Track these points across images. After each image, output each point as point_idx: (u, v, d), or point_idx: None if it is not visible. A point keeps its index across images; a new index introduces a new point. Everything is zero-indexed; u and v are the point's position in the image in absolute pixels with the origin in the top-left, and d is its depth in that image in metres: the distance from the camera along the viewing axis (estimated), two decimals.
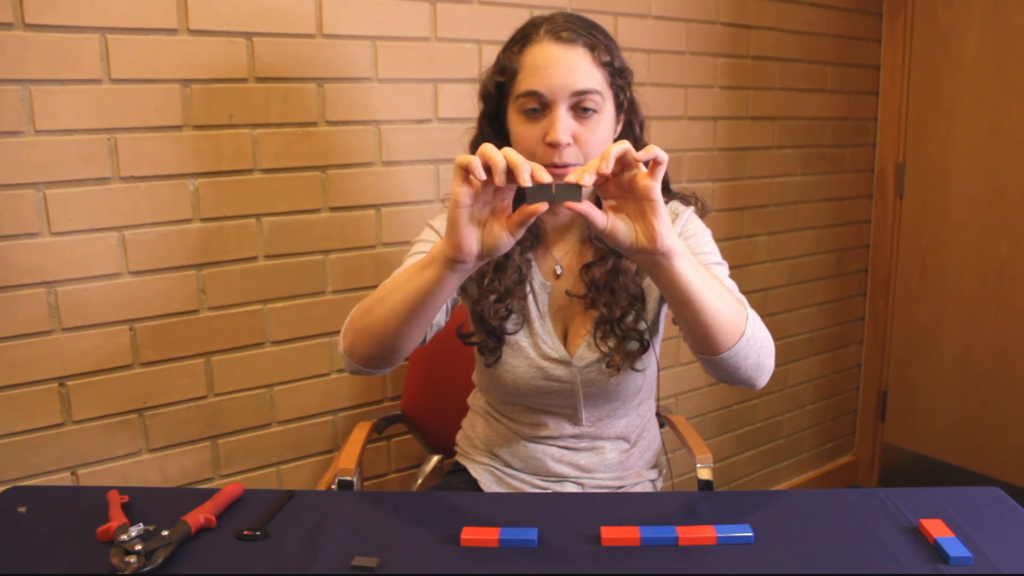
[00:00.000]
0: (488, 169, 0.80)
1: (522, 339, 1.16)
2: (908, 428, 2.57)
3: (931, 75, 2.36)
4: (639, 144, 1.15)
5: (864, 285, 2.61)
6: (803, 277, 2.39)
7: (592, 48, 1.04)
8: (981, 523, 0.90)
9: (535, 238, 1.17)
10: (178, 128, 1.35)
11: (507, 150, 0.81)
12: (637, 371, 1.16)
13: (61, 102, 1.25)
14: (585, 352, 1.14)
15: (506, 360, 1.16)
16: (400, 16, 1.53)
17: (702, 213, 1.18)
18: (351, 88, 1.51)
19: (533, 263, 1.17)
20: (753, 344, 0.95)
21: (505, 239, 0.86)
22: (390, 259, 1.60)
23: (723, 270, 1.11)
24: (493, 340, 1.16)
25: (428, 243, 1.15)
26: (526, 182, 0.79)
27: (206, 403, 1.46)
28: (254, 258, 1.47)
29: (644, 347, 1.14)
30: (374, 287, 1.56)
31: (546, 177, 0.80)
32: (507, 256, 1.13)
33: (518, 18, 1.68)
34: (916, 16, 2.37)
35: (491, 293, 1.13)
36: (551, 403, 1.18)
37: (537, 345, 1.15)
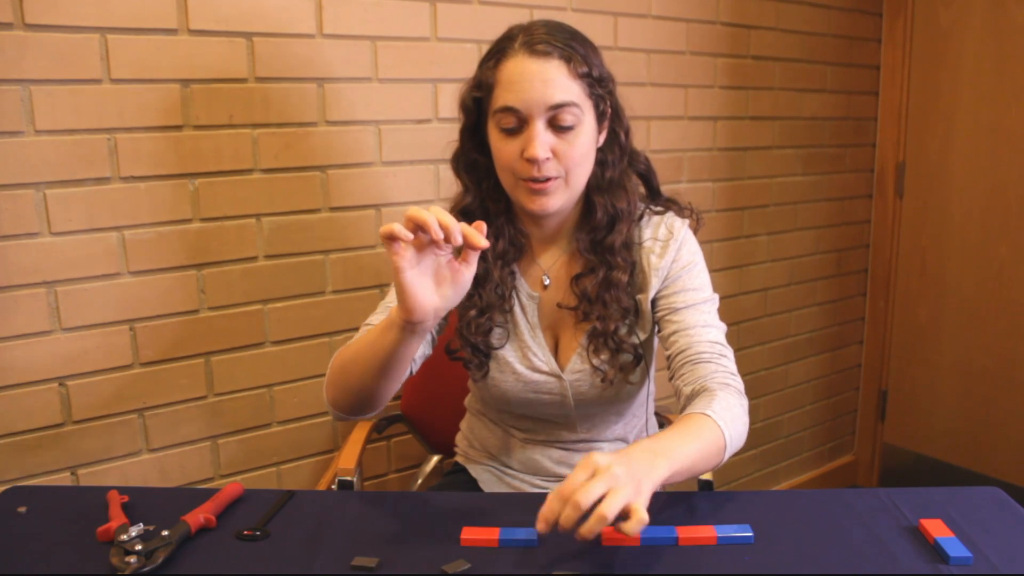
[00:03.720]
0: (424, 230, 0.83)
1: (509, 353, 1.14)
2: (908, 428, 2.57)
3: (931, 75, 2.36)
4: (624, 151, 1.12)
5: (864, 285, 2.61)
6: (803, 277, 2.39)
7: (568, 60, 1.02)
8: (981, 523, 0.90)
9: (518, 250, 1.15)
10: (178, 128, 1.35)
11: (436, 210, 0.83)
12: (631, 384, 1.15)
13: (61, 102, 1.24)
14: (576, 364, 1.12)
15: (493, 375, 1.15)
16: (400, 16, 1.54)
17: (696, 227, 1.16)
18: (351, 88, 1.51)
19: (518, 274, 1.15)
20: (730, 453, 0.97)
21: (464, 275, 0.88)
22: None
23: (712, 306, 1.10)
24: (479, 356, 1.14)
25: None
26: (457, 240, 0.83)
27: (206, 403, 1.46)
28: (254, 258, 1.47)
29: (638, 360, 1.12)
30: (374, 287, 1.59)
31: (482, 242, 0.83)
32: (487, 270, 1.12)
33: (518, 18, 1.67)
34: (916, 16, 2.37)
35: (471, 308, 1.12)
36: (544, 412, 1.17)
37: (526, 358, 1.14)
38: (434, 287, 0.89)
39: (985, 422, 2.35)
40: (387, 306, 1.12)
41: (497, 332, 1.14)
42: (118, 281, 1.34)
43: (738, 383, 1.05)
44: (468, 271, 0.89)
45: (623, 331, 1.11)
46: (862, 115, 2.46)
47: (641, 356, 1.12)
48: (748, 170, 2.19)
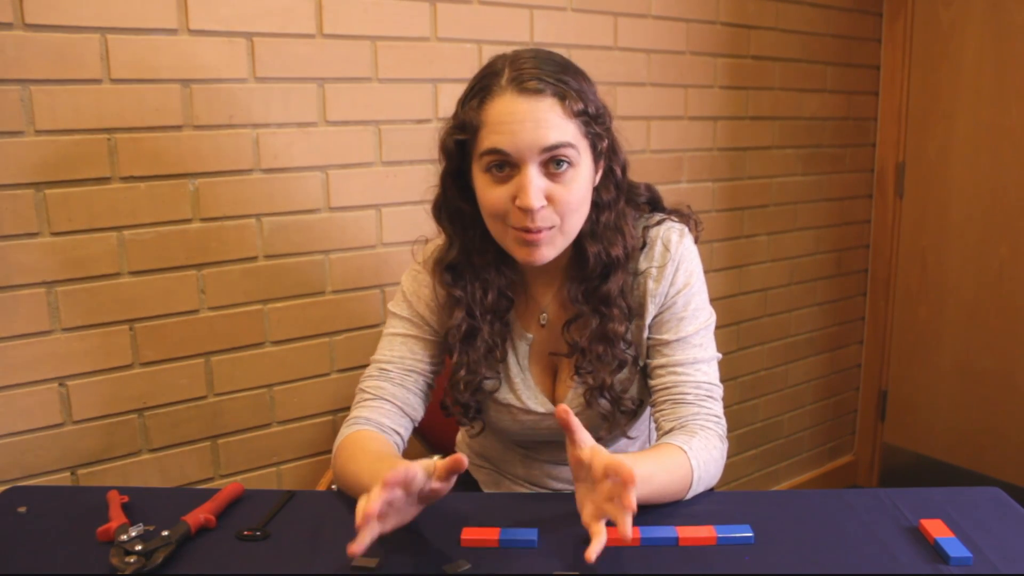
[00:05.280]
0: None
1: (503, 396, 1.10)
2: (908, 428, 2.57)
3: (931, 75, 2.36)
4: (621, 188, 1.05)
5: (864, 285, 2.61)
6: (803, 277, 2.39)
7: (562, 98, 0.93)
8: (981, 523, 0.90)
9: (510, 301, 1.08)
10: (178, 128, 1.35)
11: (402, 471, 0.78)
12: (630, 438, 1.13)
13: (61, 102, 1.24)
14: (574, 399, 1.08)
15: (490, 415, 1.12)
16: (400, 16, 1.53)
17: (697, 234, 1.09)
18: (351, 88, 1.51)
19: (511, 322, 1.10)
20: (696, 492, 0.97)
21: (440, 489, 0.84)
22: (389, 259, 1.60)
23: (706, 333, 1.05)
24: (469, 414, 1.10)
25: (401, 319, 1.10)
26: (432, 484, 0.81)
27: (206, 403, 1.46)
28: (254, 258, 1.47)
29: (635, 411, 1.09)
30: (374, 287, 1.59)
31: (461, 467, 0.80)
32: (476, 328, 1.06)
33: (518, 18, 1.68)
34: (916, 16, 2.37)
35: (460, 368, 1.06)
36: (544, 438, 1.14)
37: (520, 400, 1.09)
38: (408, 506, 0.84)
39: (985, 422, 2.35)
40: (391, 339, 1.10)
41: (488, 382, 1.08)
42: (118, 281, 1.34)
43: (720, 427, 1.03)
44: (444, 485, 0.84)
45: (620, 386, 1.06)
46: (862, 115, 2.46)
47: (639, 407, 1.09)
48: (748, 170, 2.18)
